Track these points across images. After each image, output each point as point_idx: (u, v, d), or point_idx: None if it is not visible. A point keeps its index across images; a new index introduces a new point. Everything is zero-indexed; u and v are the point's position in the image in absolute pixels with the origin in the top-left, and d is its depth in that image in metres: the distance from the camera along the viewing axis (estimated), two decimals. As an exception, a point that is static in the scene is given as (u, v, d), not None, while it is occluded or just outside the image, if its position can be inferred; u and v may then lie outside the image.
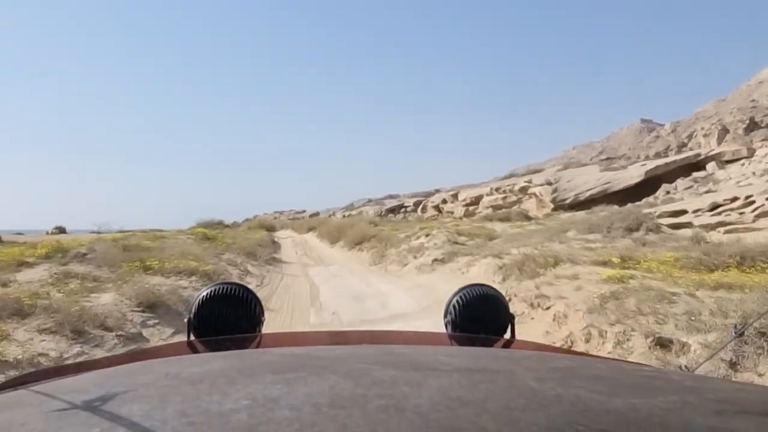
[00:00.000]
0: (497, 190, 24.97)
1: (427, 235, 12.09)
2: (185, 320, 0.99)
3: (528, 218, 18.03)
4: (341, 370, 0.51)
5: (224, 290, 1.01)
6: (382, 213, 37.88)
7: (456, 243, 11.01)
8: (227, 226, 35.09)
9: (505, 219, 17.88)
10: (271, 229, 28.94)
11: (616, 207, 18.03)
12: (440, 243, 11.04)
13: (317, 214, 61.43)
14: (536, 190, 20.49)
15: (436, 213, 32.28)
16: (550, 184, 19.78)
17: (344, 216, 45.75)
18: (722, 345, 2.09)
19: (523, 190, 22.54)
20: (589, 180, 19.38)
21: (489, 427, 0.36)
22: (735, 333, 1.44)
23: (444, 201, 31.08)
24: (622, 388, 0.50)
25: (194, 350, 0.87)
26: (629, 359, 3.12)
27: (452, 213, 28.58)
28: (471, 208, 24.38)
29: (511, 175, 33.23)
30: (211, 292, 1.01)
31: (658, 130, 69.49)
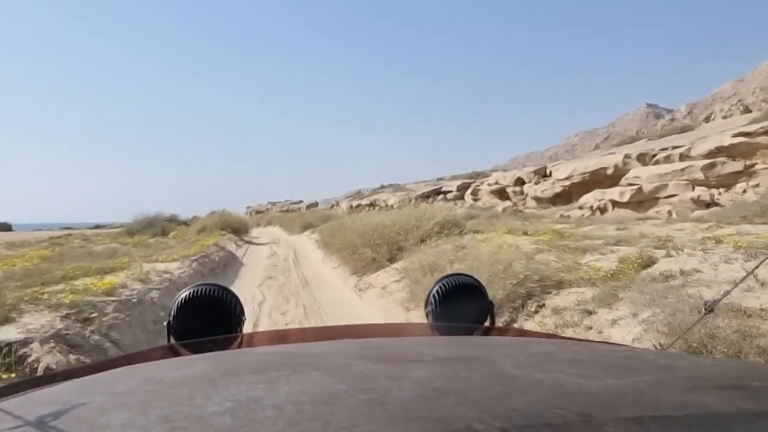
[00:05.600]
0: (652, 158, 13.34)
1: None
2: (165, 324, 0.96)
3: None
4: (323, 367, 0.51)
5: (203, 291, 0.98)
6: (412, 201, 26.31)
7: None
8: (183, 223, 23.55)
9: None
10: (239, 230, 17.23)
11: None
12: None
13: (315, 204, 49.87)
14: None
15: (497, 200, 20.79)
16: None
17: (351, 207, 34.20)
18: (694, 322, 2.04)
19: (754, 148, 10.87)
20: None
21: (468, 415, 0.36)
22: (705, 309, 1.38)
23: (519, 182, 19.50)
24: (598, 370, 0.50)
25: (175, 354, 0.84)
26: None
27: (548, 202, 16.99)
28: (632, 190, 12.32)
29: (630, 138, 21.45)
30: (189, 294, 0.98)
31: (673, 113, 67.20)
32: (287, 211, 45.77)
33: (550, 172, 18.21)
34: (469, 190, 24.06)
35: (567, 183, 16.44)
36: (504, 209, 16.28)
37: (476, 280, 1.09)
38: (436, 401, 0.39)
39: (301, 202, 55.34)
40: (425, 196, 26.40)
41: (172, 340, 0.94)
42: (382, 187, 39.86)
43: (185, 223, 23.30)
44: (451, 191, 25.03)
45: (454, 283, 1.05)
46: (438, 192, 25.97)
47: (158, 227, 20.10)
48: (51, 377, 0.68)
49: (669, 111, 71.68)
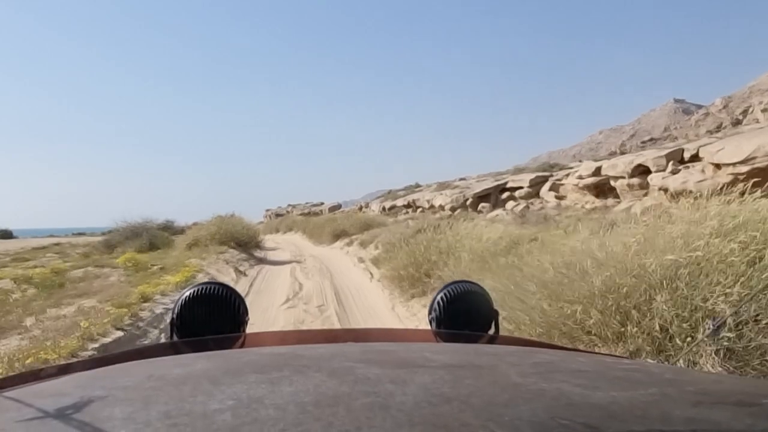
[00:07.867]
0: None
1: None
2: (168, 321, 0.96)
3: None
4: (326, 369, 0.50)
5: (207, 290, 0.97)
6: (468, 202, 20.85)
7: None
8: (180, 231, 18.43)
9: None
10: (247, 243, 11.99)
11: None
12: None
13: (338, 207, 44.69)
14: None
15: (591, 197, 15.31)
16: None
17: (385, 209, 28.89)
18: (700, 338, 1.98)
19: None
20: None
21: (473, 422, 0.36)
22: (713, 326, 1.34)
23: (637, 171, 13.86)
24: (603, 382, 0.50)
25: (177, 351, 0.84)
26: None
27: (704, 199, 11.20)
28: None
29: None
30: (193, 292, 0.96)
31: (707, 107, 61.92)
32: (309, 214, 40.63)
33: (695, 155, 12.55)
34: (547, 186, 18.49)
35: (744, 169, 10.77)
36: (645, 209, 10.76)
37: (481, 287, 1.07)
38: (440, 407, 0.38)
39: (323, 204, 50.24)
40: (485, 195, 20.99)
41: (176, 338, 0.94)
42: (418, 185, 34.33)
43: (182, 231, 18.25)
44: (520, 187, 19.49)
45: (459, 290, 1.03)
46: (502, 189, 20.45)
47: (145, 238, 15.08)
48: (54, 370, 0.68)
49: (699, 106, 67.67)
